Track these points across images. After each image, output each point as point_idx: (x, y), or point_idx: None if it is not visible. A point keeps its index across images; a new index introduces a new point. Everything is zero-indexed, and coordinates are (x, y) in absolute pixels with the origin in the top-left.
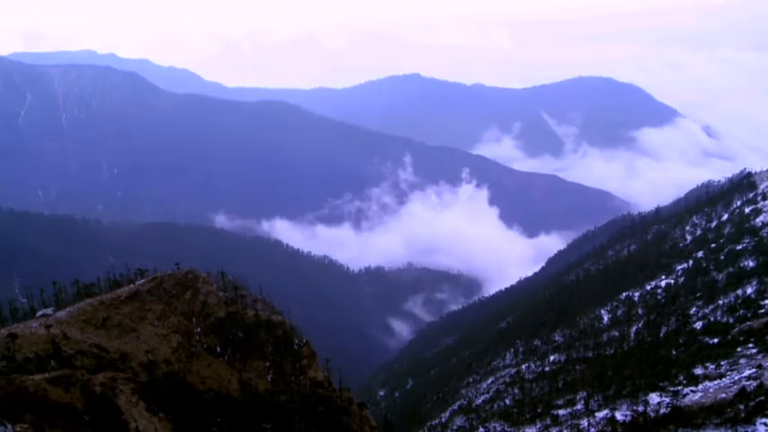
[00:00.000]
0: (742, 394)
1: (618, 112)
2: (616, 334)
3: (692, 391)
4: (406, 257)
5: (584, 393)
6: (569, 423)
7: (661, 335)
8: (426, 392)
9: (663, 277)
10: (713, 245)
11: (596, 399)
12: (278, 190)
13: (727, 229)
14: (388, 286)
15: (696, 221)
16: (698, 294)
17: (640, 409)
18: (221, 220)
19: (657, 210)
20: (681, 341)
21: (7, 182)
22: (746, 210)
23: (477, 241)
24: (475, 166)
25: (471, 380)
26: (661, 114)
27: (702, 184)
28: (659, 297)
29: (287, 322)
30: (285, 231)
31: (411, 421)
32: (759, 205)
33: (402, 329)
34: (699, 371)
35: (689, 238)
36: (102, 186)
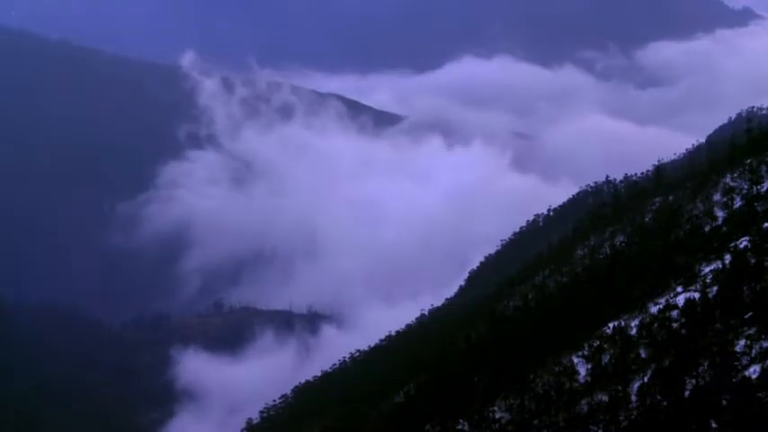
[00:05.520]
0: None
1: None
2: (604, 399)
3: None
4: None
5: None
6: None
7: (686, 394)
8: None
9: (679, 289)
10: (766, 223)
11: None
12: None
13: None
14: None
15: (732, 183)
16: (747, 315)
17: None
18: None
19: (658, 171)
20: (725, 402)
21: None
22: None
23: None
24: None
25: None
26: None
27: (731, 120)
28: (675, 326)
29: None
30: None
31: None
32: None
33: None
34: None
35: (720, 214)
36: None
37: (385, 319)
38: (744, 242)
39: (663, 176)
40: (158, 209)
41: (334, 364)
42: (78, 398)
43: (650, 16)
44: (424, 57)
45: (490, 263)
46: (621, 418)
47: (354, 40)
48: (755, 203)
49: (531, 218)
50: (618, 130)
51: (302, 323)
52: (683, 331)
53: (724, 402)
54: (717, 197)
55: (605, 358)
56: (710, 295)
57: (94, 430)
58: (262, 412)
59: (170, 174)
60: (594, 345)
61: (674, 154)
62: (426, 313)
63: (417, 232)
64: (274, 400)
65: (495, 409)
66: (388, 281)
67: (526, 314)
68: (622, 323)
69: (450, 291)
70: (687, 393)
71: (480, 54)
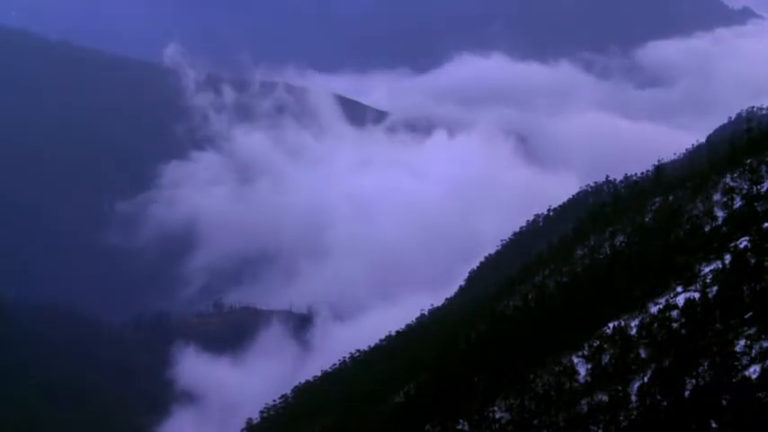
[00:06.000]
0: None
1: None
2: (604, 399)
3: None
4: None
5: None
6: None
7: (686, 394)
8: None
9: (679, 289)
10: (766, 223)
11: None
12: None
13: None
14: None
15: (732, 183)
16: (747, 315)
17: None
18: None
19: (658, 171)
20: (725, 402)
21: None
22: None
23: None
24: None
25: None
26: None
27: (731, 120)
28: (675, 326)
29: None
30: None
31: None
32: None
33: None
34: None
35: (720, 214)
36: None
37: (385, 319)
38: (744, 242)
39: (663, 176)
40: (159, 208)
41: (334, 364)
42: (78, 398)
43: (650, 16)
44: (423, 56)
45: (490, 263)
46: (621, 418)
47: (354, 40)
48: (755, 203)
49: (530, 217)
50: (617, 128)
51: (302, 323)
52: (683, 331)
53: (724, 402)
54: (717, 197)
55: (605, 358)
56: (710, 295)
57: (94, 430)
58: (262, 412)
59: (171, 173)
60: (594, 345)
61: (674, 154)
62: (426, 313)
63: (418, 230)
64: (274, 400)
65: (495, 409)
66: (389, 280)
67: (526, 314)
68: (622, 323)
69: (451, 291)
70: (687, 393)
71: (479, 53)
